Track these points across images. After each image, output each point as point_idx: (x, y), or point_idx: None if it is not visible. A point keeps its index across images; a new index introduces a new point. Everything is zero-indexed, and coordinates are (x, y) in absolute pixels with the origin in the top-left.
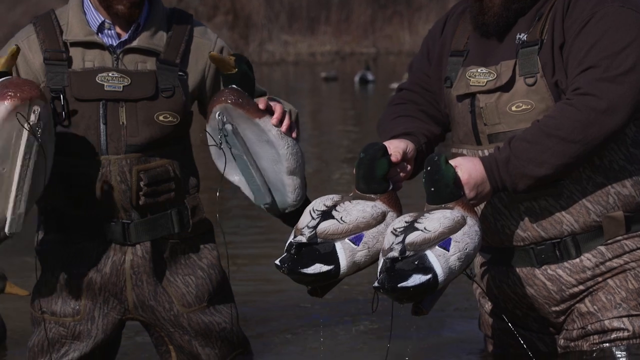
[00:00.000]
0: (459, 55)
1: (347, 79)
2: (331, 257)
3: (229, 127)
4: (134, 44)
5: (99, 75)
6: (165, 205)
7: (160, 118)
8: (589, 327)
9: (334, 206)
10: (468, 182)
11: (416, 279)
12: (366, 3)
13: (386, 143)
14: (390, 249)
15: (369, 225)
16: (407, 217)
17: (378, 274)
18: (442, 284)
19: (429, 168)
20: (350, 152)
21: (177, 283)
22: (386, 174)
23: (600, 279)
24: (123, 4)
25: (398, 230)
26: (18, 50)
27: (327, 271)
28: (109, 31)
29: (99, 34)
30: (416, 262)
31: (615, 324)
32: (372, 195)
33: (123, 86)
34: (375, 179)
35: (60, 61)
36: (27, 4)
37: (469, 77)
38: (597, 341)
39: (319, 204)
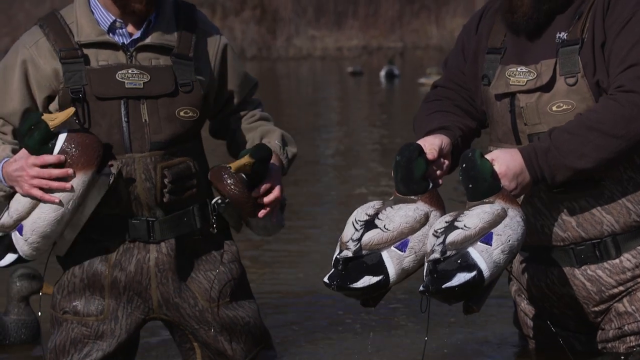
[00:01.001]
0: (496, 52)
1: (373, 74)
2: (379, 267)
3: (220, 208)
4: (147, 41)
5: (119, 72)
6: (188, 202)
7: (181, 114)
8: (626, 328)
9: (375, 214)
10: (506, 174)
11: (461, 278)
12: None
13: (421, 141)
14: (432, 251)
15: (413, 230)
16: (447, 217)
17: (424, 277)
18: (488, 279)
19: (464, 165)
20: (379, 146)
21: (199, 279)
22: (424, 174)
23: None
24: (141, 2)
25: (439, 231)
26: (74, 111)
27: (377, 282)
28: (121, 30)
29: (110, 33)
30: (459, 261)
31: None
32: (413, 197)
33: (143, 83)
34: (414, 180)
35: (76, 59)
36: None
37: (509, 76)
38: (633, 344)
39: (360, 214)
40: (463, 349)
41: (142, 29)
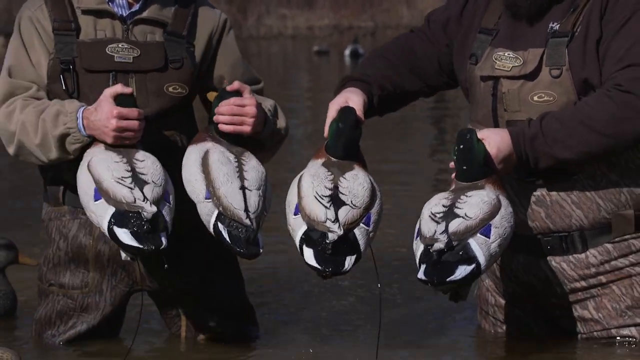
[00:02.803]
0: (488, 33)
1: (341, 53)
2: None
3: None
4: (144, 14)
5: (109, 46)
6: (174, 175)
7: (170, 89)
8: (595, 335)
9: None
10: (497, 156)
11: (462, 271)
12: None
13: (342, 97)
14: (435, 239)
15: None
16: (443, 200)
17: (418, 263)
18: (484, 271)
19: (461, 146)
20: None
21: (184, 253)
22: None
23: (604, 279)
24: None
25: (437, 215)
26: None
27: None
28: (121, 0)
29: (110, 3)
30: (460, 253)
31: (623, 332)
32: (348, 162)
33: (133, 57)
34: (354, 145)
35: (68, 31)
36: None
37: (495, 59)
38: (605, 344)
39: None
40: (423, 325)
41: (140, 2)
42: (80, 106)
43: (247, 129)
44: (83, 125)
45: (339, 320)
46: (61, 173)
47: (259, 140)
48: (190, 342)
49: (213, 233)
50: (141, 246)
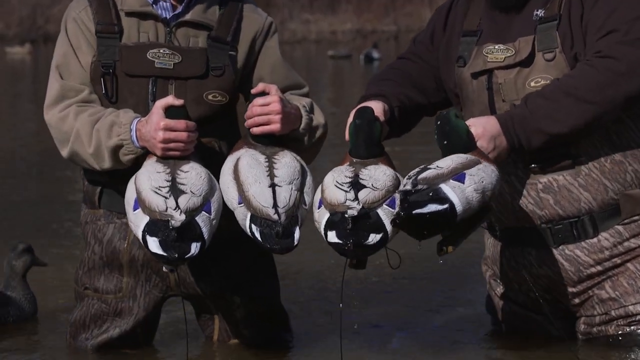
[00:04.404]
0: (472, 35)
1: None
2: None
3: None
4: (187, 17)
5: (150, 51)
6: None
7: (210, 97)
8: (613, 313)
9: (425, 167)
10: (484, 135)
11: (432, 207)
12: None
13: (364, 105)
14: (403, 186)
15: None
16: (421, 165)
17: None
18: (461, 214)
19: (438, 122)
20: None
21: (219, 258)
22: (381, 136)
23: (618, 260)
24: None
25: (412, 175)
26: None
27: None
28: (164, 3)
29: (154, 5)
30: (430, 194)
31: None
32: (372, 160)
33: (174, 64)
34: (375, 142)
35: (111, 34)
36: None
37: (486, 53)
38: (622, 324)
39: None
40: (436, 335)
41: (183, 4)
42: (134, 117)
43: (275, 127)
44: (136, 136)
45: (368, 328)
46: (97, 175)
47: (298, 139)
48: (223, 345)
49: (250, 235)
50: (165, 254)
